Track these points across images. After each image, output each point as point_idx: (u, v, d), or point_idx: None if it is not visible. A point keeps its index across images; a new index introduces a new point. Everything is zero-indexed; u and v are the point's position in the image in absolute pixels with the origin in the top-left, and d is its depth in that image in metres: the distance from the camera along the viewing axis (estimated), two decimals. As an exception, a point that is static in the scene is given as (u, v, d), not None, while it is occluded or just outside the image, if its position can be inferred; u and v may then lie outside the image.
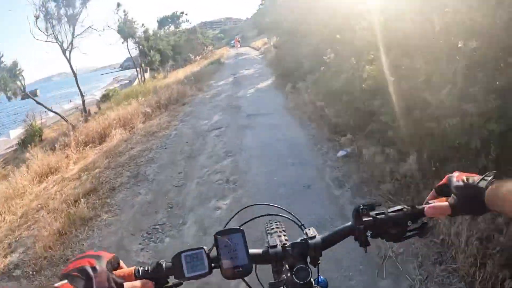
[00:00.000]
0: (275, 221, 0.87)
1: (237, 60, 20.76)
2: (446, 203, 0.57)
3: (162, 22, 19.78)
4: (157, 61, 14.33)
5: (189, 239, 2.63)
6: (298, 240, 0.62)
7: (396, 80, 2.51)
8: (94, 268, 0.48)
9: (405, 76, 2.46)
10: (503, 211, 0.50)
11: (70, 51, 9.61)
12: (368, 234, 0.60)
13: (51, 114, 23.17)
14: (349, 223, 0.62)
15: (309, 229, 0.64)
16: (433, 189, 0.63)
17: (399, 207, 0.60)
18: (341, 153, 3.68)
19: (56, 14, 9.32)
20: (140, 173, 4.29)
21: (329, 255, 1.02)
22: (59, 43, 9.40)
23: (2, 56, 9.11)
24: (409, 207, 0.59)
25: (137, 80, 20.36)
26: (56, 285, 0.43)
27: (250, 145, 4.49)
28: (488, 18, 1.77)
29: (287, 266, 0.60)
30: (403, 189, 2.55)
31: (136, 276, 0.54)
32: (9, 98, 9.24)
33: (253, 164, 3.81)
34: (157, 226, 2.90)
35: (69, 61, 9.50)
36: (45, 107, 9.76)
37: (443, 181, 0.60)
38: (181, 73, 16.80)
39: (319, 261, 0.62)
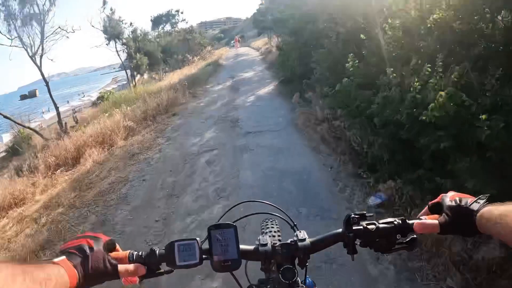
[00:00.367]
0: (271, 220, 0.88)
1: (236, 61, 19.70)
2: (436, 221, 0.57)
3: (157, 21, 18.66)
4: (144, 65, 12.93)
5: None
6: (288, 241, 0.63)
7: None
8: (91, 248, 0.52)
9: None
10: (494, 234, 0.49)
11: (40, 56, 8.47)
12: (357, 242, 0.60)
13: (47, 116, 22.36)
14: (340, 230, 0.63)
15: (300, 232, 0.65)
16: (427, 206, 0.63)
17: (390, 219, 0.60)
18: (373, 200, 2.68)
19: (19, 14, 8.17)
20: (107, 219, 3.29)
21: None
22: (25, 47, 8.24)
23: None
24: (399, 221, 0.59)
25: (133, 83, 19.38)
26: (54, 260, 0.47)
27: (249, 180, 3.47)
28: None
29: (275, 265, 0.62)
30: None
31: (130, 259, 0.58)
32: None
33: (253, 217, 2.80)
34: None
35: (39, 67, 8.31)
36: (15, 122, 8.65)
37: (437, 199, 0.61)
38: (177, 75, 15.79)
39: (307, 263, 0.63)
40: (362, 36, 3.64)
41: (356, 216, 0.61)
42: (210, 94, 9.28)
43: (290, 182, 3.25)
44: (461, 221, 0.54)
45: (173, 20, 19.61)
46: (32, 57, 8.17)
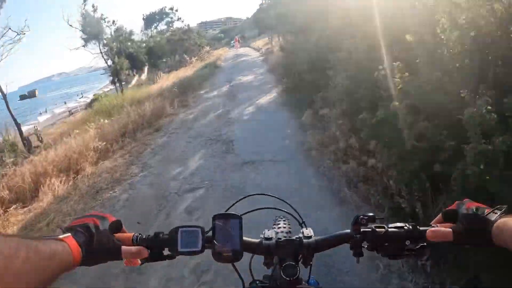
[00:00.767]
0: (283, 219, 0.86)
1: (235, 62, 18.50)
2: (450, 229, 0.54)
3: (150, 20, 17.40)
4: (124, 69, 11.39)
5: None
6: (293, 238, 0.61)
7: None
8: (97, 227, 0.53)
9: None
10: (510, 246, 0.46)
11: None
12: (365, 245, 0.58)
13: (41, 119, 21.34)
14: (347, 230, 0.61)
15: (307, 229, 0.64)
16: (441, 213, 0.59)
17: (400, 224, 0.57)
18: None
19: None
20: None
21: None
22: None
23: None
24: (410, 226, 0.56)
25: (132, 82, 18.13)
26: (60, 236, 0.47)
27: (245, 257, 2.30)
28: None
29: (278, 261, 0.60)
30: None
31: (134, 242, 0.58)
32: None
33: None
34: None
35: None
36: (16, 124, 7.50)
37: (453, 206, 0.58)
38: (171, 78, 14.64)
39: (312, 262, 0.62)
40: (408, 37, 2.46)
41: (365, 217, 0.58)
42: (203, 102, 8.11)
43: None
44: (476, 231, 0.51)
45: (168, 19, 18.34)
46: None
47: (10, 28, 7.80)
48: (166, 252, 0.58)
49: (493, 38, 1.75)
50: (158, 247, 0.57)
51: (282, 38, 13.15)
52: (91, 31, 10.25)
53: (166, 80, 14.61)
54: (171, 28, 18.88)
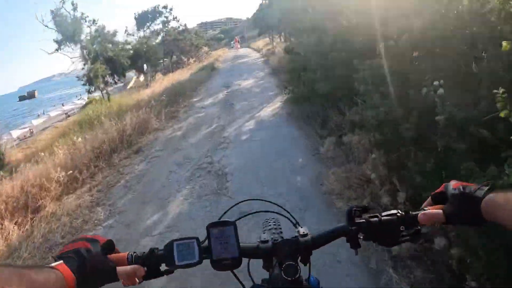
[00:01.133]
0: (273, 219, 0.84)
1: (234, 64, 17.42)
2: (440, 211, 0.54)
3: (142, 20, 16.32)
4: (99, 76, 9.94)
5: None
6: (289, 238, 0.61)
7: None
8: (89, 250, 0.51)
9: None
10: (500, 221, 0.46)
11: None
12: (361, 236, 0.58)
13: (39, 120, 20.36)
14: (342, 224, 0.61)
15: (302, 227, 0.64)
16: (430, 196, 0.60)
17: (393, 211, 0.58)
18: None
19: None
20: None
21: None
22: None
23: None
24: (402, 213, 0.57)
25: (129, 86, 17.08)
26: (52, 264, 0.45)
27: None
28: None
29: (277, 262, 0.59)
30: None
31: (129, 261, 0.56)
32: None
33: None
34: None
35: None
36: None
37: (440, 188, 0.58)
38: (166, 81, 13.60)
39: (310, 260, 0.61)
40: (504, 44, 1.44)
41: (358, 209, 0.58)
42: (195, 113, 7.07)
43: None
44: (466, 209, 0.51)
45: (162, 19, 17.24)
46: None
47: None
48: (163, 267, 0.57)
49: None
50: (154, 263, 0.56)
51: (285, 38, 12.13)
52: (64, 32, 9.07)
53: (160, 83, 13.59)
54: (166, 28, 17.80)
